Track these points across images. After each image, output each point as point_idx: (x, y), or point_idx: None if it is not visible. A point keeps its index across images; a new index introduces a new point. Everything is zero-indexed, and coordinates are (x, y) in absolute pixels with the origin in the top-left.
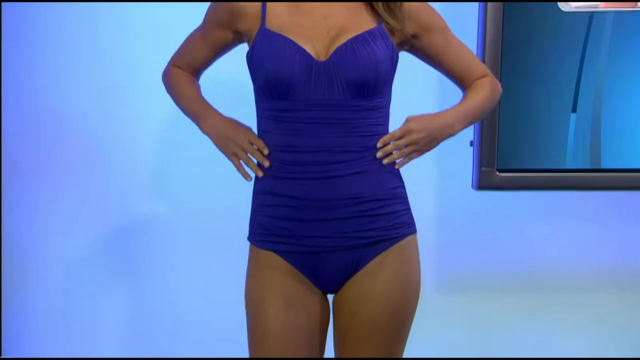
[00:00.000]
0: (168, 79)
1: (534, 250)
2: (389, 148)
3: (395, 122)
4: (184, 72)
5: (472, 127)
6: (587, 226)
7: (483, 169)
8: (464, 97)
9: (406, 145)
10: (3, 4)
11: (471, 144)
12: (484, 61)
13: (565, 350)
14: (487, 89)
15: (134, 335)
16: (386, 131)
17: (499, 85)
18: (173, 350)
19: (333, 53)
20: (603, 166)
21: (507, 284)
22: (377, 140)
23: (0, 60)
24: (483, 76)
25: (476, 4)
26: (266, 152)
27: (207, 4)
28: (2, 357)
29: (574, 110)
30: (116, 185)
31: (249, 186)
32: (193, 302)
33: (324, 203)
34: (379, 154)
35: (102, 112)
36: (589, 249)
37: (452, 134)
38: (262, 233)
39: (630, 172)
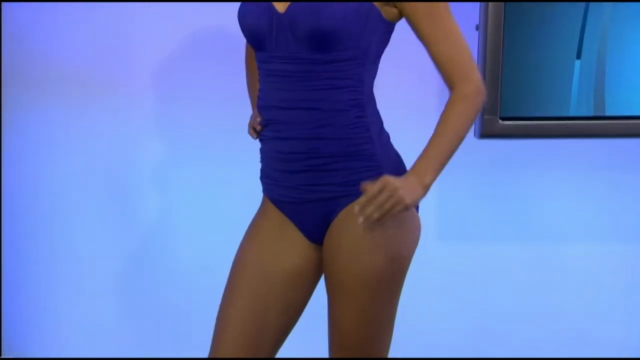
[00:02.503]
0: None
1: (537, 199)
2: (369, 210)
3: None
4: (252, 54)
5: None
6: (591, 174)
7: (485, 116)
8: (429, 141)
9: (388, 198)
10: (3, 4)
11: None
12: (486, 17)
13: (565, 300)
14: (459, 117)
15: (135, 334)
16: (351, 86)
17: (479, 96)
18: (175, 350)
19: (290, 4)
20: (607, 113)
21: (508, 233)
22: (337, 94)
23: (0, 60)
24: (463, 78)
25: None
26: (258, 120)
27: (204, 3)
28: (2, 357)
29: (579, 56)
30: (117, 182)
31: (251, 179)
32: (197, 302)
33: (285, 156)
34: (360, 220)
35: (103, 110)
36: (593, 198)
37: (423, 190)
38: (262, 180)
39: (636, 119)
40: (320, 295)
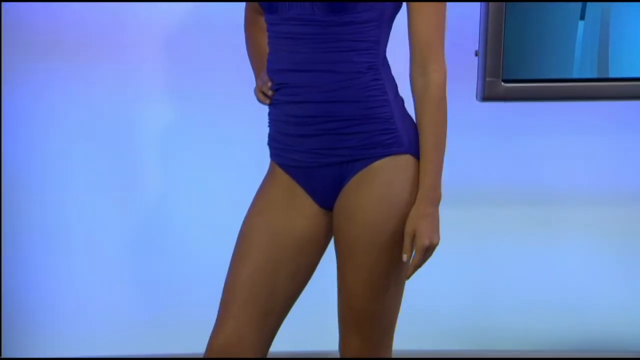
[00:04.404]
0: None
1: (540, 162)
2: (411, 272)
3: None
4: (253, 18)
5: (477, 35)
6: (593, 137)
7: (488, 79)
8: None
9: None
10: (3, 4)
11: (476, 53)
12: None
13: (565, 264)
14: (439, 115)
15: (136, 334)
16: (368, 48)
17: (445, 83)
18: (177, 350)
19: None
20: (611, 75)
21: (511, 196)
22: (354, 57)
23: (0, 60)
24: (437, 61)
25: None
26: (269, 84)
27: (208, 4)
28: (2, 357)
29: (582, 17)
30: (119, 182)
31: (258, 145)
32: (201, 301)
33: (299, 120)
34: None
35: (104, 111)
36: (595, 161)
37: (437, 206)
38: (270, 145)
39: (639, 81)
40: (318, 293)
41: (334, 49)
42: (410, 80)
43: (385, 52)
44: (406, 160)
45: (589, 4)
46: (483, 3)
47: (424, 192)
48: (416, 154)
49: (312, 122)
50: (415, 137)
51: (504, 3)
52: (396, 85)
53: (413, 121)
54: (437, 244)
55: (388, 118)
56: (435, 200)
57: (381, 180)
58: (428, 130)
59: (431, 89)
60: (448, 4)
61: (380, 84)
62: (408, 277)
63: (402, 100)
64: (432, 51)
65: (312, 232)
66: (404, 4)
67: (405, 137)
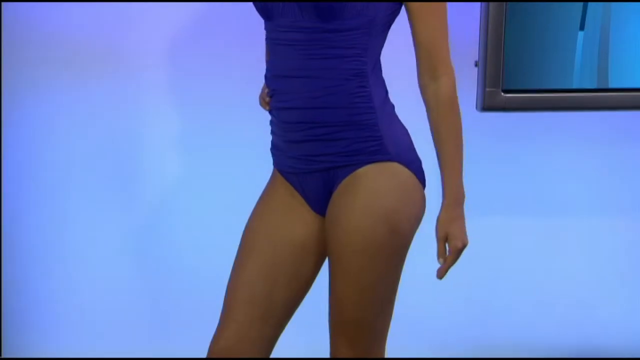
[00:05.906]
0: None
1: (539, 172)
2: (444, 272)
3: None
4: None
5: (476, 45)
6: (594, 147)
7: (488, 89)
8: (442, 160)
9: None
10: (3, 4)
11: (476, 64)
12: None
13: (566, 273)
14: (447, 130)
15: (136, 336)
16: (355, 55)
17: (455, 86)
18: (180, 350)
19: None
20: (611, 85)
21: (510, 206)
22: (340, 63)
23: (0, 60)
24: (445, 65)
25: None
26: (266, 90)
27: (209, 4)
28: (2, 357)
29: (582, 27)
30: (120, 183)
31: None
32: (202, 305)
33: (289, 126)
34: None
35: (105, 112)
36: (595, 171)
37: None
38: (271, 151)
39: (639, 91)
40: (318, 294)
41: (321, 56)
42: (420, 87)
43: (377, 58)
44: (393, 168)
45: (588, 15)
46: (483, 14)
47: (451, 195)
48: (405, 162)
49: (300, 128)
50: (405, 145)
51: (504, 14)
52: (386, 92)
53: (403, 129)
54: (467, 245)
55: (372, 125)
56: (462, 201)
57: (365, 187)
58: (446, 134)
59: (442, 92)
60: (448, 14)
61: (367, 91)
62: (442, 277)
63: (391, 107)
64: (438, 55)
65: (311, 238)
66: (403, 9)
67: (391, 144)
